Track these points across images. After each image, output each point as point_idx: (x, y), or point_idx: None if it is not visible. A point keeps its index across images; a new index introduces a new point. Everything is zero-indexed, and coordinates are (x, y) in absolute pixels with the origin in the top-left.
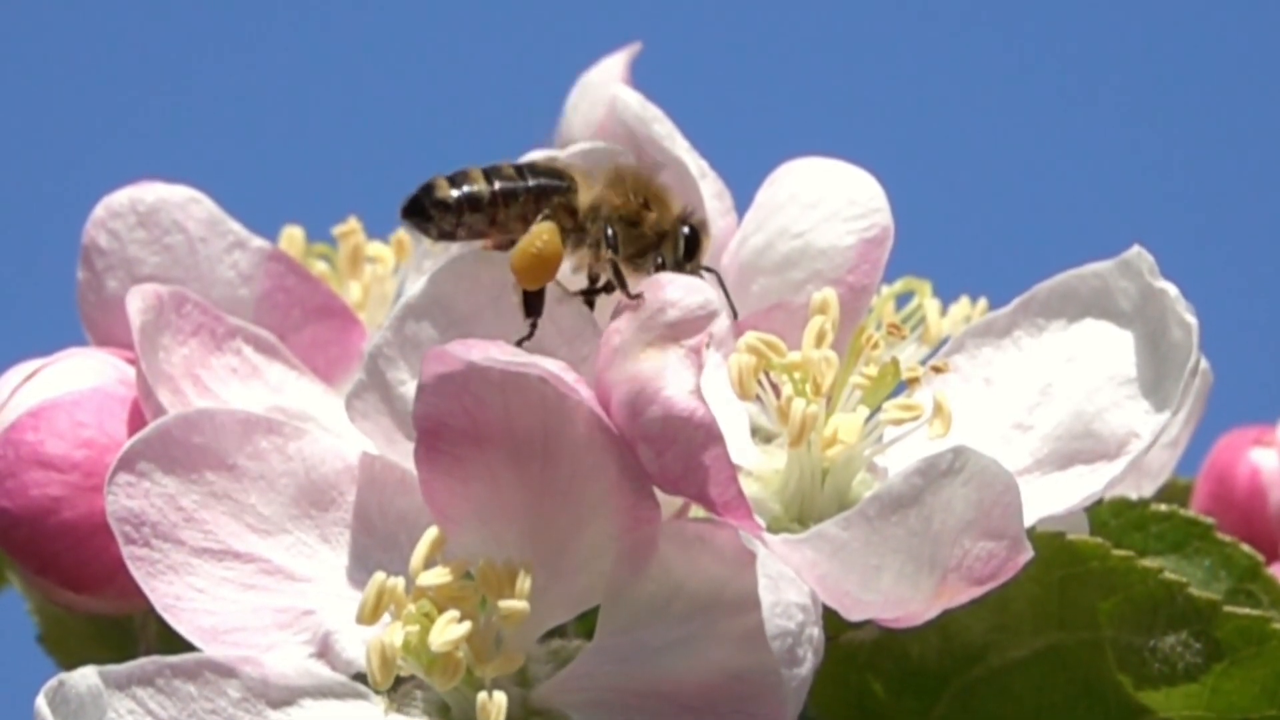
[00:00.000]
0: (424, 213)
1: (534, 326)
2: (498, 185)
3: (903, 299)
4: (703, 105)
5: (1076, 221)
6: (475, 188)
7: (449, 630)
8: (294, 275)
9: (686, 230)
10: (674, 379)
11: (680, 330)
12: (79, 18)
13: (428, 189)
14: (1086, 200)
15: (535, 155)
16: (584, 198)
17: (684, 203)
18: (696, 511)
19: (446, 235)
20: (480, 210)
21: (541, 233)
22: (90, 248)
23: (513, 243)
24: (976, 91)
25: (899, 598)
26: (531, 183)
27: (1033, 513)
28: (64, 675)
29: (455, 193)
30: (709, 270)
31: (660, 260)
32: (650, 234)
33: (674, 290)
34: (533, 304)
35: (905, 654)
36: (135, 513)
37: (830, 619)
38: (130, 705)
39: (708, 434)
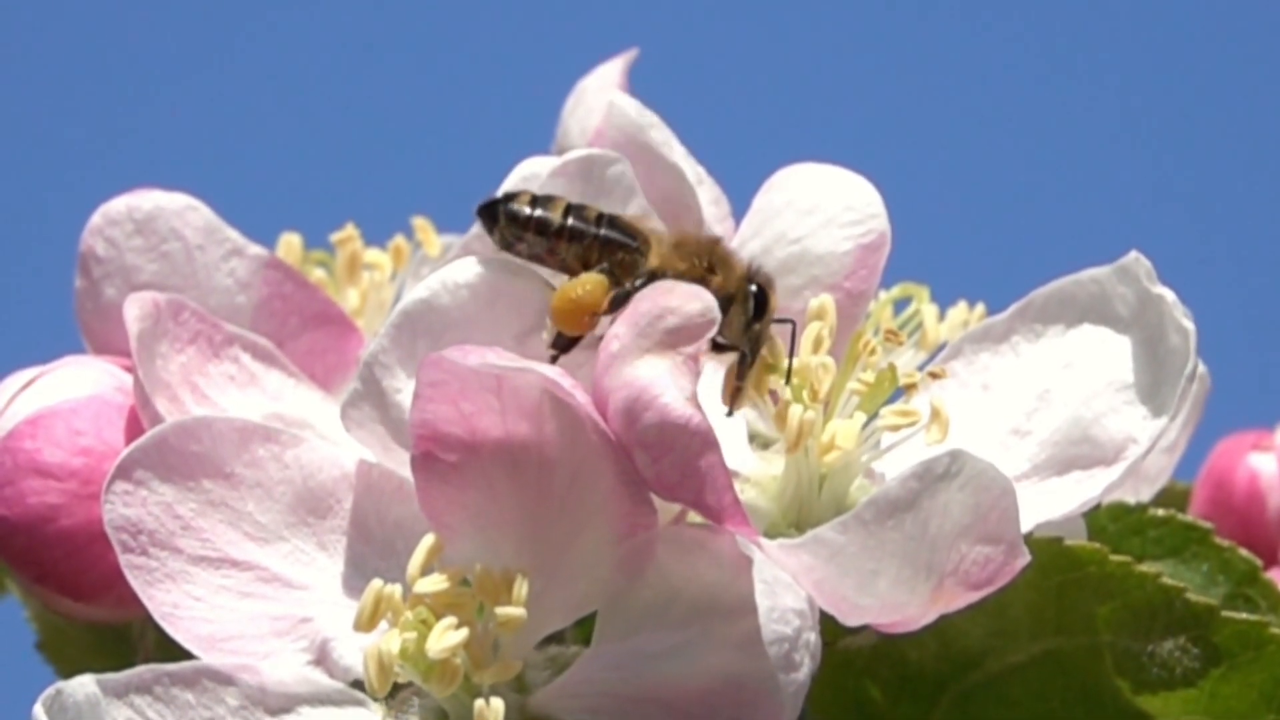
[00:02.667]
0: (495, 216)
1: (554, 360)
2: (571, 221)
3: (900, 304)
4: (700, 111)
5: (1074, 227)
6: (550, 215)
7: (446, 637)
8: (291, 282)
9: (754, 289)
10: (671, 386)
11: (679, 337)
12: (75, 25)
13: (508, 197)
14: (1084, 205)
15: (623, 209)
16: (650, 262)
17: (747, 261)
18: (693, 517)
19: (507, 246)
20: (545, 236)
21: (586, 281)
22: (87, 255)
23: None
24: (973, 97)
25: (896, 602)
26: (602, 232)
27: (1030, 518)
28: (61, 684)
29: (529, 211)
30: (784, 321)
31: (729, 323)
32: (717, 298)
33: (673, 297)
34: (560, 344)
35: (903, 659)
36: (132, 521)
37: (828, 624)
38: (128, 713)
39: (704, 441)
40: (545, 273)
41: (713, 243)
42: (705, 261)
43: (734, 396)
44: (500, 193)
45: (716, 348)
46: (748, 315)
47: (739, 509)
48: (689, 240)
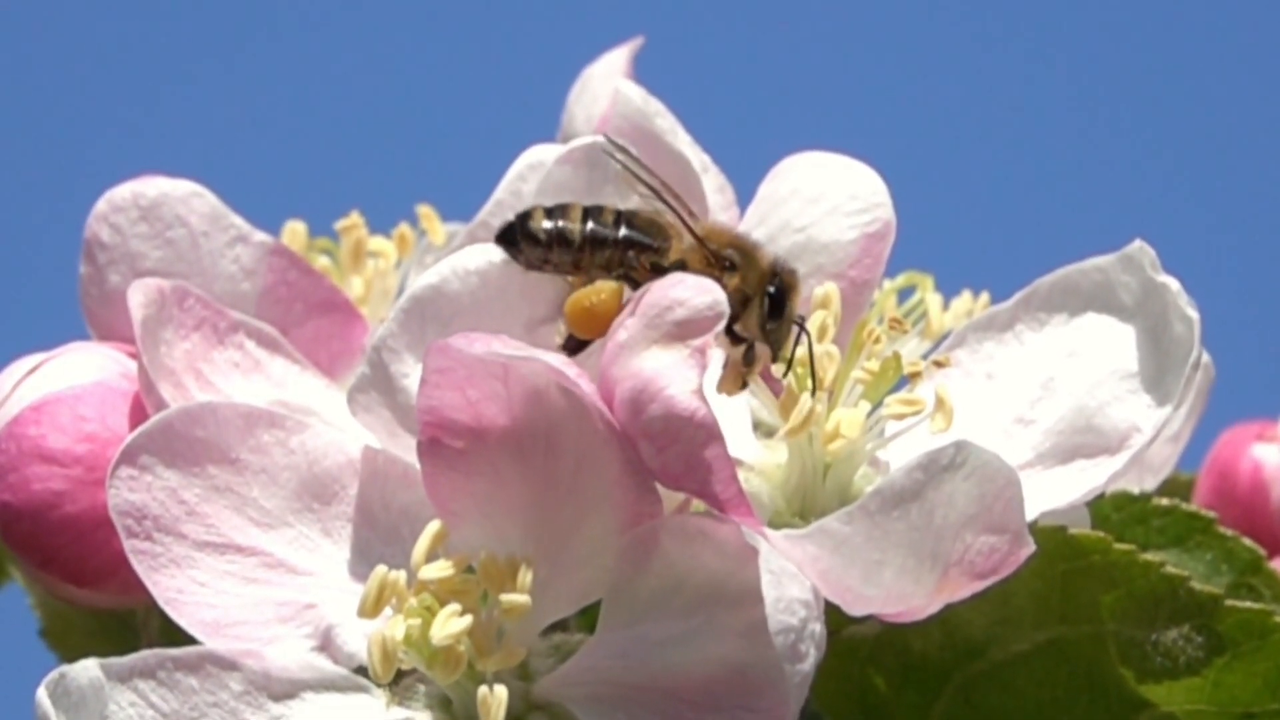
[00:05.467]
0: (515, 242)
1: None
2: (590, 227)
3: (905, 293)
4: (705, 99)
5: (1078, 215)
6: (568, 225)
7: (450, 624)
8: (296, 270)
9: (771, 289)
10: (677, 378)
11: (687, 329)
12: (80, 14)
13: (523, 218)
14: (1088, 194)
15: (640, 204)
16: (671, 259)
17: (772, 258)
18: (697, 505)
19: (534, 267)
20: (568, 249)
21: (601, 289)
22: (92, 242)
23: None
24: (978, 86)
25: (901, 592)
26: (623, 233)
27: (1034, 507)
28: (65, 668)
29: (547, 225)
30: (800, 326)
31: (747, 319)
32: (733, 300)
33: (683, 289)
34: (571, 346)
35: (907, 648)
36: (137, 506)
37: (832, 613)
38: (132, 698)
39: (709, 434)
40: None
41: (736, 237)
42: (725, 260)
43: (731, 381)
44: (513, 215)
45: (736, 341)
46: (763, 315)
47: (743, 500)
48: (712, 235)
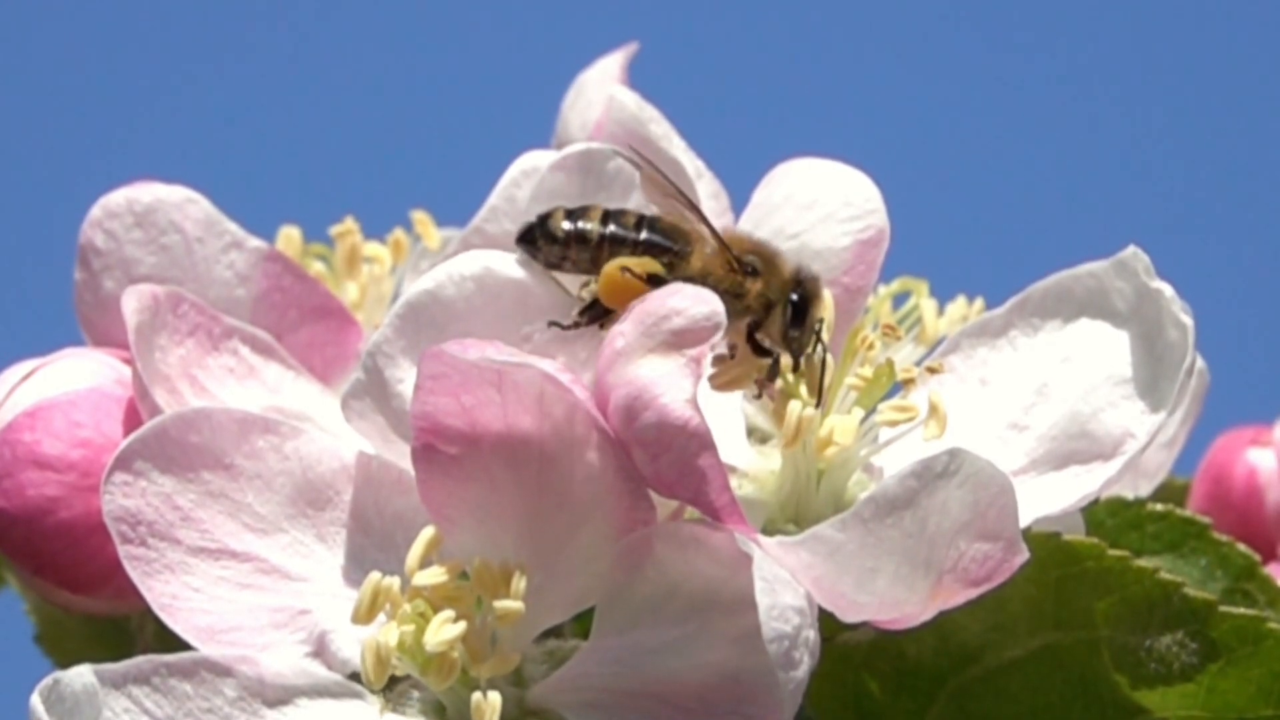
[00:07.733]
0: (534, 241)
1: (575, 325)
2: (610, 229)
3: (899, 299)
4: (700, 105)
5: (1073, 221)
6: (587, 226)
7: (444, 630)
8: (291, 275)
9: (795, 297)
10: (672, 387)
11: (684, 339)
12: (77, 18)
13: (543, 218)
14: (1083, 200)
15: (624, 203)
16: (693, 265)
17: (795, 265)
18: (691, 513)
19: (553, 266)
20: (587, 248)
21: (646, 263)
22: (87, 248)
23: None
24: (973, 91)
25: (895, 599)
26: (643, 236)
27: (1029, 513)
28: (59, 674)
29: (567, 226)
30: (817, 335)
31: (769, 327)
32: (756, 306)
33: (681, 299)
34: (593, 312)
35: (902, 654)
36: (132, 512)
37: (826, 619)
38: (126, 704)
39: (701, 443)
40: (564, 277)
41: (757, 244)
42: (748, 267)
43: (737, 383)
44: (535, 215)
45: (757, 350)
46: (786, 322)
47: (736, 508)
48: (733, 241)
